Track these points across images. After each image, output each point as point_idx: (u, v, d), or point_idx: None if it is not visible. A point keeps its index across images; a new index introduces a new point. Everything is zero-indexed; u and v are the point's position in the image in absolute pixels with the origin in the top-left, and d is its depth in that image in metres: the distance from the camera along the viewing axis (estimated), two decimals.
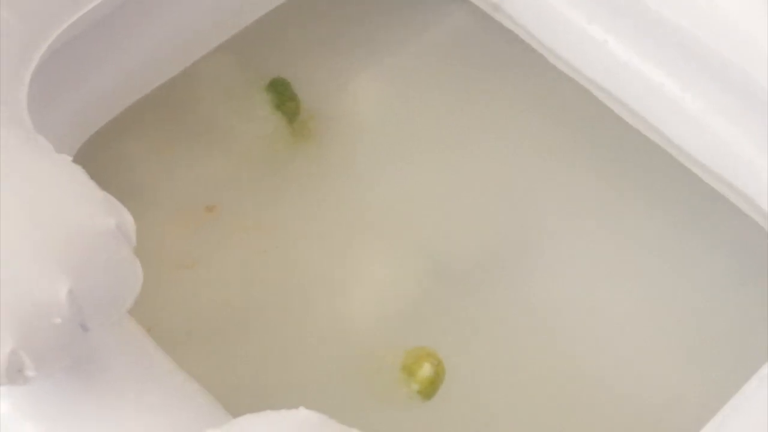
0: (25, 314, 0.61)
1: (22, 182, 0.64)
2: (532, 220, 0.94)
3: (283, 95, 0.97)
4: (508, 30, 0.94)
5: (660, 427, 0.85)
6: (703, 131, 0.83)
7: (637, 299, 0.90)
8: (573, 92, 0.91)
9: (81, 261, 0.62)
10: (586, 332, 0.89)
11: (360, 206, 0.94)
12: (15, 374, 0.62)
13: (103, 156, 0.92)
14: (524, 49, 0.93)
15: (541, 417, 0.86)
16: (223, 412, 0.67)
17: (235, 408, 0.72)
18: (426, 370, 0.85)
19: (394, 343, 0.87)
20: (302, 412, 0.59)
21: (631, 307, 0.90)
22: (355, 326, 0.89)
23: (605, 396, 0.86)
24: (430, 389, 0.85)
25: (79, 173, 0.66)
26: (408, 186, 0.95)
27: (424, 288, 0.90)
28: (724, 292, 0.89)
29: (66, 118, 0.84)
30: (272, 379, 0.87)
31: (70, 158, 0.67)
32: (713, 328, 0.89)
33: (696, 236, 0.91)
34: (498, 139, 0.97)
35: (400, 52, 1.01)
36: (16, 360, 0.61)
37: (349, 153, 0.97)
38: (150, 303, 0.87)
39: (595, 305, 0.90)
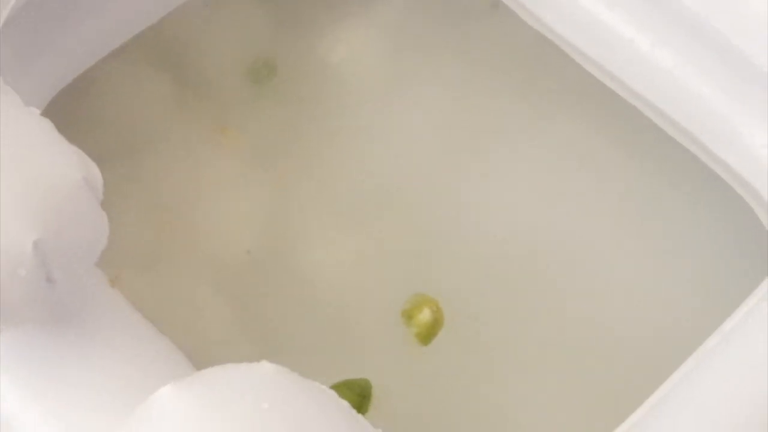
0: None
1: None
2: (527, 174, 0.95)
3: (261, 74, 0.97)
4: None
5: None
6: (672, 87, 0.83)
7: (631, 241, 0.92)
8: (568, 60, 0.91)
9: (47, 213, 0.62)
10: (586, 281, 0.90)
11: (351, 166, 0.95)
12: None
13: (85, 103, 0.92)
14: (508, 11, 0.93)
15: (538, 364, 0.87)
16: (188, 365, 0.67)
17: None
18: (425, 315, 0.86)
19: (395, 290, 0.89)
20: (264, 366, 0.59)
21: (629, 252, 0.92)
22: (351, 274, 0.90)
23: (603, 340, 0.88)
24: (427, 334, 0.86)
25: (46, 126, 0.66)
26: (398, 145, 0.96)
27: (424, 239, 0.91)
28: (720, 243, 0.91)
29: (37, 70, 0.84)
30: (259, 325, 0.88)
31: (38, 111, 0.67)
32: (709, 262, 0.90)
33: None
34: (479, 99, 0.97)
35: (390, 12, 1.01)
36: None
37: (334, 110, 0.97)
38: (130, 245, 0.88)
39: (593, 255, 0.91)
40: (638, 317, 0.89)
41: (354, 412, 0.59)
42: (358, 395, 0.83)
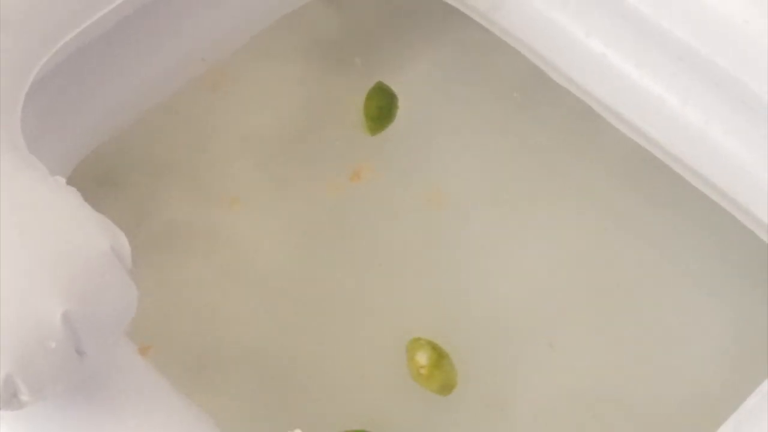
0: (20, 339, 0.60)
1: (16, 206, 0.63)
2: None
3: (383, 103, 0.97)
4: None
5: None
6: (703, 144, 0.82)
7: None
8: (582, 110, 0.91)
9: (75, 284, 0.62)
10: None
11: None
12: (9, 399, 0.62)
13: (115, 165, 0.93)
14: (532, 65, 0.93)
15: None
16: None
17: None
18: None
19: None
20: None
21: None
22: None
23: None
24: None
25: (73, 195, 0.66)
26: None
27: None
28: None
29: (62, 138, 0.84)
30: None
31: (64, 180, 0.67)
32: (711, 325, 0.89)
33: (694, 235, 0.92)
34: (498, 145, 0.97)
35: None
36: (10, 385, 0.61)
37: None
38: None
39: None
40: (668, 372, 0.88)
41: None
42: None
